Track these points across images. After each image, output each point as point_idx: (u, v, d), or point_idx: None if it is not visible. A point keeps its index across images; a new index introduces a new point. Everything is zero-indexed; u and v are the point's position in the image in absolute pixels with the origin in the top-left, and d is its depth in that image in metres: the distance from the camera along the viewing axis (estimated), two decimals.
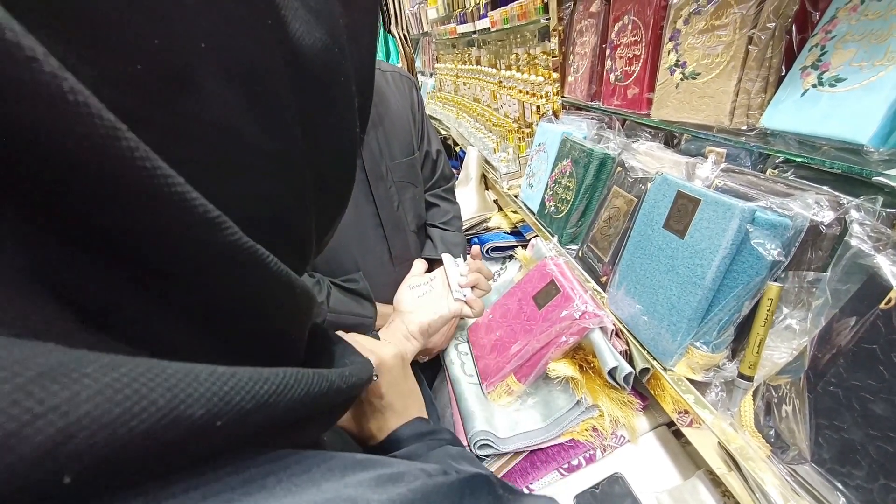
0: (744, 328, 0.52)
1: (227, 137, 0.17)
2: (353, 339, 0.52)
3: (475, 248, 0.69)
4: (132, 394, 0.12)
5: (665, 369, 0.56)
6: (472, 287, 0.64)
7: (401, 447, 0.45)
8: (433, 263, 0.88)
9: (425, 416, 0.51)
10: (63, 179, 0.12)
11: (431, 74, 2.71)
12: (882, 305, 0.33)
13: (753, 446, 0.44)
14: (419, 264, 0.68)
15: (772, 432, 0.42)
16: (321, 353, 0.26)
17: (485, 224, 1.34)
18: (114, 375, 0.11)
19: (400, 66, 1.56)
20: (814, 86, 0.51)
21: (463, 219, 1.33)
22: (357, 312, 0.84)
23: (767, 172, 0.58)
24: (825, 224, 0.45)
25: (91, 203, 0.12)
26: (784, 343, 0.50)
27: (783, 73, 0.57)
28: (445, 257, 0.66)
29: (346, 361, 0.25)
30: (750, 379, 0.49)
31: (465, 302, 0.62)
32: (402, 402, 0.49)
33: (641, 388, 0.65)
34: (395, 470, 0.18)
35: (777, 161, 0.58)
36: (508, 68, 1.46)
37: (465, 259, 0.66)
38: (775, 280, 0.48)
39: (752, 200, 0.50)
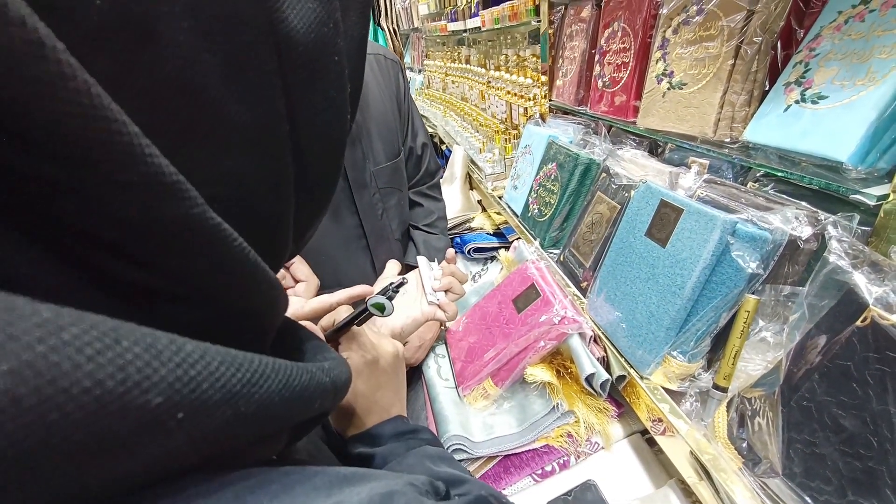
0: (720, 339, 0.52)
1: (194, 102, 0.15)
2: (358, 331, 0.51)
3: (450, 252, 0.67)
4: (71, 368, 0.09)
5: (641, 377, 0.55)
6: (446, 291, 0.62)
7: (380, 444, 0.44)
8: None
9: (405, 414, 0.50)
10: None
11: (420, 71, 2.68)
12: (859, 323, 0.33)
13: (725, 457, 0.45)
14: (393, 266, 0.66)
15: (744, 444, 0.42)
16: (290, 350, 0.24)
17: (468, 224, 1.33)
18: (52, 342, 0.09)
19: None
20: (797, 101, 0.52)
21: (447, 217, 1.32)
22: None
23: (748, 185, 0.59)
24: (803, 239, 0.46)
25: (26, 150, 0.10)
26: (759, 355, 0.50)
27: (767, 88, 0.58)
28: (420, 260, 0.65)
29: (320, 358, 0.23)
30: (724, 390, 0.49)
31: (439, 306, 0.61)
32: (388, 399, 0.49)
33: (617, 396, 0.65)
34: (384, 487, 0.17)
35: (758, 175, 0.59)
36: (497, 69, 1.45)
37: (440, 262, 0.65)
38: (753, 293, 0.48)
39: (733, 212, 0.50)
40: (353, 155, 0.78)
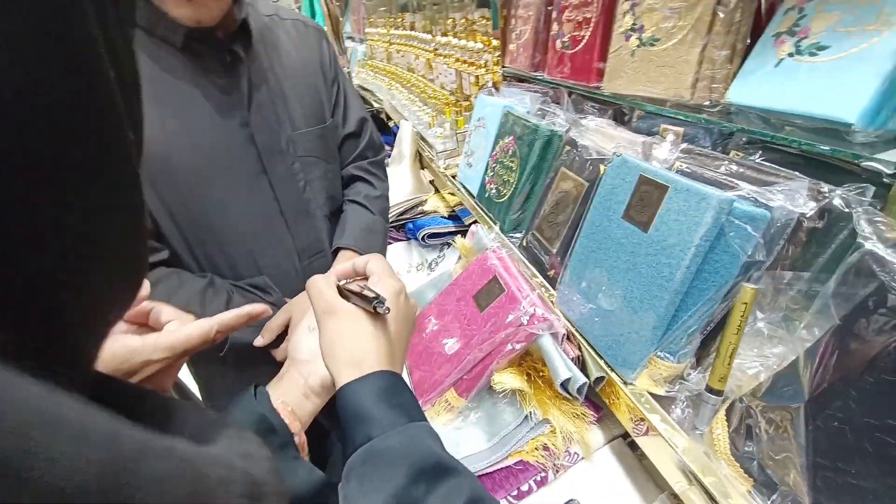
0: (710, 334, 0.45)
1: None
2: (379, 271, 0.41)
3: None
4: None
5: (625, 383, 0.48)
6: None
7: (374, 405, 0.32)
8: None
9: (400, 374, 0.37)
10: None
11: (362, 41, 2.48)
12: None
13: (730, 478, 0.38)
14: (347, 258, 0.51)
15: (754, 464, 0.36)
16: None
17: (420, 207, 1.22)
18: None
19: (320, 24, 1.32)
20: (790, 55, 0.45)
21: (397, 201, 1.20)
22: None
23: (731, 154, 0.52)
24: (807, 216, 0.39)
25: None
26: (753, 350, 0.44)
27: (749, 42, 0.50)
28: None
29: None
30: (719, 393, 0.43)
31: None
32: (384, 349, 0.36)
33: (594, 397, 0.59)
34: None
35: (741, 141, 0.52)
36: (445, 34, 1.32)
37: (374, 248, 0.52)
38: (748, 281, 0.42)
39: (723, 187, 0.43)
40: (263, 118, 0.66)
